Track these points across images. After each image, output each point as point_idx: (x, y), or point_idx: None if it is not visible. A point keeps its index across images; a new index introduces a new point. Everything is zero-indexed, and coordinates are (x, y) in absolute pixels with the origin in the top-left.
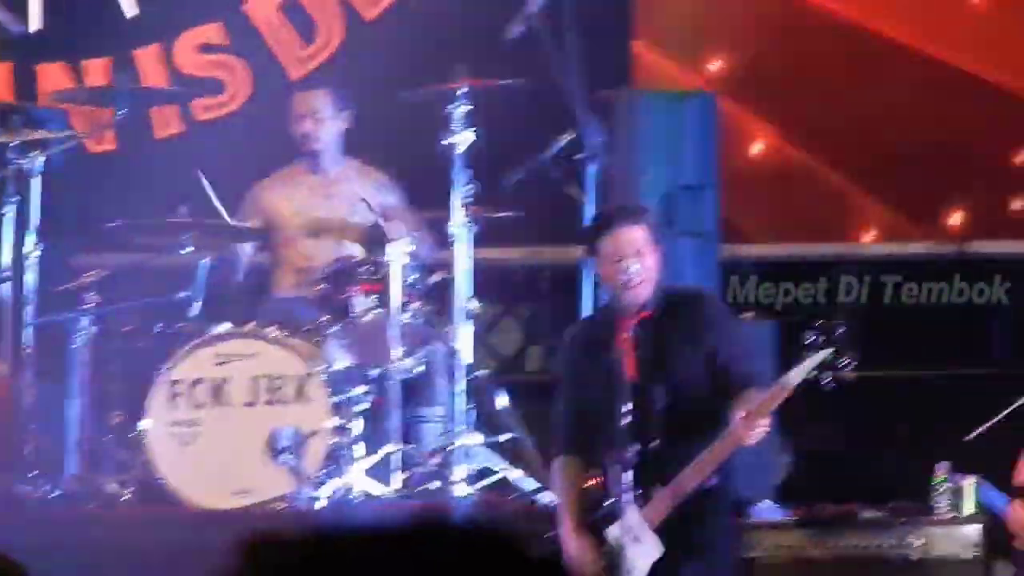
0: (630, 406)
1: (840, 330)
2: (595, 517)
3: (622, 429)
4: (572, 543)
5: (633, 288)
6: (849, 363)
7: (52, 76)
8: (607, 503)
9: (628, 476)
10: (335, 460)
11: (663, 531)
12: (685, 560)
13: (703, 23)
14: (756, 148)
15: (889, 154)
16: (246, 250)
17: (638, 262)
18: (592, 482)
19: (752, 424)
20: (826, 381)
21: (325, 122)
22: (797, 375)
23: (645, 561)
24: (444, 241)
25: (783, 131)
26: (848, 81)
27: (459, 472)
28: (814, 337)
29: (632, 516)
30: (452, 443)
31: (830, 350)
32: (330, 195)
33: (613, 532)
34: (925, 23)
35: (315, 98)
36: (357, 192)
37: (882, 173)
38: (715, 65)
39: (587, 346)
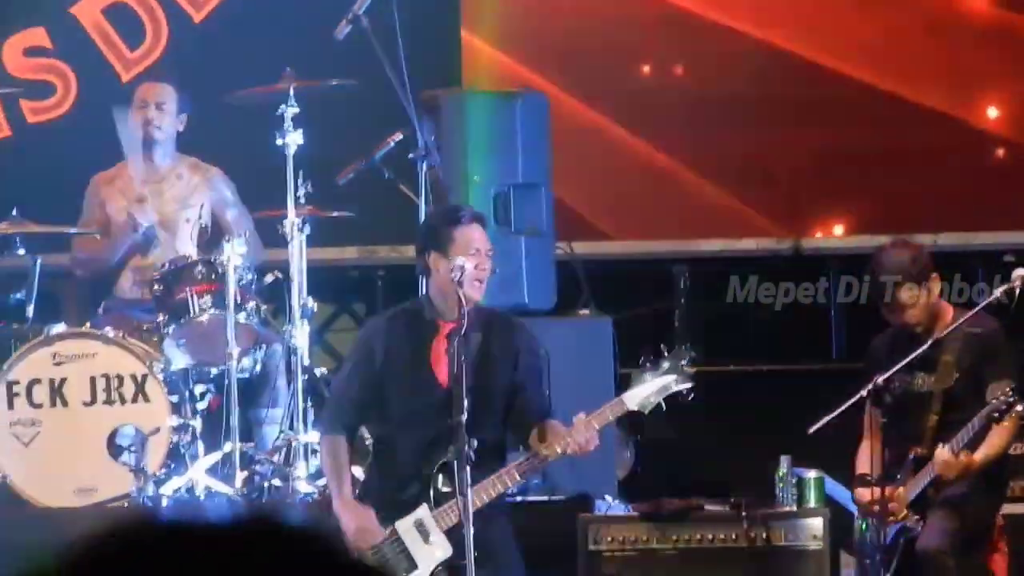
0: (435, 411)
1: (687, 357)
2: (388, 509)
3: (426, 432)
4: (348, 512)
5: (481, 284)
6: (691, 393)
7: None
8: (402, 497)
9: (428, 476)
10: (176, 458)
11: (453, 535)
12: (476, 567)
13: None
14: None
15: None
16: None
17: (489, 260)
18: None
19: (587, 435)
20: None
21: (168, 115)
22: (634, 398)
23: (428, 562)
24: (277, 241)
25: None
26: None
27: (300, 469)
28: (656, 359)
29: (424, 514)
30: (292, 441)
31: (673, 377)
32: (160, 191)
33: (403, 525)
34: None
35: (162, 90)
36: (190, 188)
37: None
38: None
39: (401, 340)
